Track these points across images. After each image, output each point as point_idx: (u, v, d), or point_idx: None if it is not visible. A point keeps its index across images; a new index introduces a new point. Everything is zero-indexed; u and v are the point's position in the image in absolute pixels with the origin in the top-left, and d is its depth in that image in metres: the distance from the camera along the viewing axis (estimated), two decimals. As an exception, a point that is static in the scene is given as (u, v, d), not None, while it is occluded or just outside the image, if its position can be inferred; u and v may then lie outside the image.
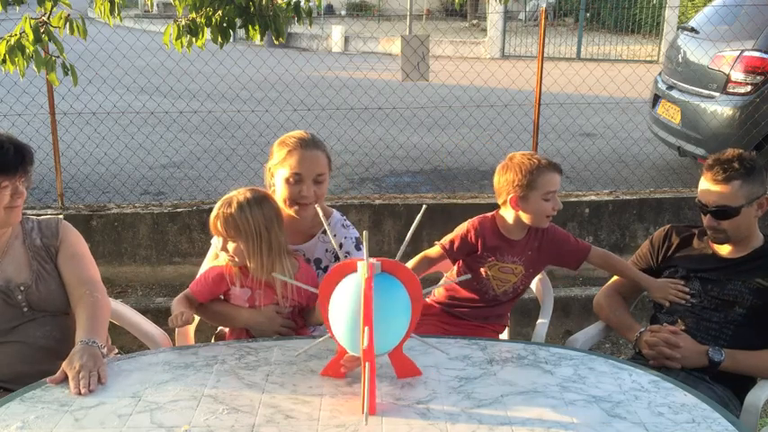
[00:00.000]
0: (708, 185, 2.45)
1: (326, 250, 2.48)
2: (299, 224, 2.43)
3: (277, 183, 2.40)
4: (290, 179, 2.35)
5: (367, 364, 1.77)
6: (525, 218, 2.59)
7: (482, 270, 2.65)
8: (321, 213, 2.07)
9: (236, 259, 2.25)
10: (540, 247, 2.67)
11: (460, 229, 2.67)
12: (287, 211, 2.39)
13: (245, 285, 2.30)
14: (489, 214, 2.69)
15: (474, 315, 2.71)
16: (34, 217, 2.38)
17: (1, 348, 2.22)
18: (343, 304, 1.82)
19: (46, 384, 1.91)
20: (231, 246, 2.25)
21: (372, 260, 1.82)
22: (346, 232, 2.51)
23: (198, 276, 2.39)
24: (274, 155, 2.41)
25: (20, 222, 2.30)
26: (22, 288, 2.24)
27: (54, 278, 2.30)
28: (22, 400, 1.84)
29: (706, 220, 2.49)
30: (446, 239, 2.67)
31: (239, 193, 2.26)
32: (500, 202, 2.63)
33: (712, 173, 2.43)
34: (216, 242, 2.35)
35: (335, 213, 2.56)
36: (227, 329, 2.52)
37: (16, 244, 2.29)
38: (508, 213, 2.62)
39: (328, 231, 2.01)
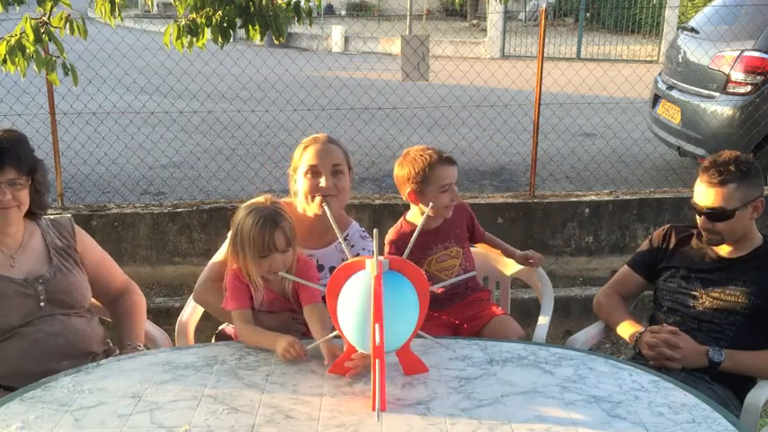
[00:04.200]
0: (703, 187, 2.46)
1: (342, 260, 2.48)
2: (315, 228, 2.44)
3: (298, 181, 2.43)
4: (308, 173, 2.39)
5: (377, 361, 1.77)
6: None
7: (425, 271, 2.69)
8: (335, 225, 2.02)
9: (282, 268, 2.18)
10: (462, 221, 2.79)
11: (387, 249, 2.73)
12: (310, 209, 2.41)
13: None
14: (399, 225, 2.76)
15: (453, 295, 2.77)
16: (45, 216, 2.42)
17: (11, 343, 2.23)
18: (351, 302, 1.83)
19: (46, 384, 1.91)
20: (282, 257, 2.18)
21: (381, 258, 1.82)
22: (364, 243, 2.52)
23: (227, 294, 2.27)
24: (294, 158, 2.45)
25: (35, 221, 2.37)
26: (41, 280, 2.29)
27: (74, 274, 2.37)
28: (22, 400, 1.84)
29: (700, 221, 2.50)
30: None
31: (268, 200, 2.22)
32: (402, 195, 2.72)
33: (708, 175, 2.44)
34: (247, 256, 2.19)
35: (354, 224, 2.58)
36: (231, 329, 2.52)
37: (33, 240, 2.35)
38: (413, 211, 2.74)
39: (343, 245, 2.00)
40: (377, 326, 1.74)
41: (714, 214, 2.44)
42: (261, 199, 2.24)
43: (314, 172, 2.38)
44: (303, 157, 2.41)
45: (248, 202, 2.24)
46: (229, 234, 2.45)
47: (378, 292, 1.76)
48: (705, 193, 2.45)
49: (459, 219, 2.78)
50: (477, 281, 2.91)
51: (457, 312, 2.77)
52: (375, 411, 1.74)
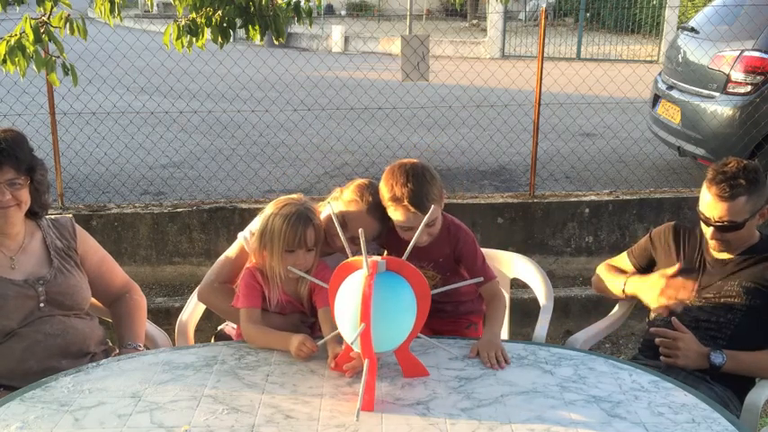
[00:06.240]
0: (712, 200, 2.44)
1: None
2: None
3: (327, 211, 2.28)
4: (339, 225, 2.13)
5: (366, 360, 1.77)
6: None
7: None
8: (338, 226, 2.00)
9: (304, 268, 2.17)
10: (453, 254, 2.48)
11: None
12: None
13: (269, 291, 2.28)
14: None
15: (442, 309, 2.57)
16: (46, 216, 2.42)
17: (10, 343, 2.22)
18: (347, 302, 1.83)
19: (46, 384, 1.91)
20: (306, 256, 2.19)
21: (377, 258, 1.83)
22: (369, 247, 2.49)
23: (239, 291, 2.27)
24: (344, 195, 2.36)
25: (36, 221, 2.37)
26: (41, 281, 2.28)
27: (74, 275, 2.36)
28: (22, 399, 1.85)
29: (710, 232, 2.49)
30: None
31: (299, 199, 2.23)
32: None
33: (718, 189, 2.42)
34: (272, 255, 2.18)
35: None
36: (231, 329, 2.52)
37: (34, 242, 2.34)
38: None
39: (345, 245, 2.00)
40: (362, 325, 1.75)
41: (725, 227, 2.45)
42: (294, 196, 2.26)
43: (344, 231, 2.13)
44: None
45: (281, 198, 2.24)
46: (239, 235, 2.44)
47: (367, 293, 1.76)
48: (715, 207, 2.44)
49: (447, 248, 2.47)
50: (475, 305, 2.63)
51: (442, 325, 2.57)
52: (356, 410, 1.74)
